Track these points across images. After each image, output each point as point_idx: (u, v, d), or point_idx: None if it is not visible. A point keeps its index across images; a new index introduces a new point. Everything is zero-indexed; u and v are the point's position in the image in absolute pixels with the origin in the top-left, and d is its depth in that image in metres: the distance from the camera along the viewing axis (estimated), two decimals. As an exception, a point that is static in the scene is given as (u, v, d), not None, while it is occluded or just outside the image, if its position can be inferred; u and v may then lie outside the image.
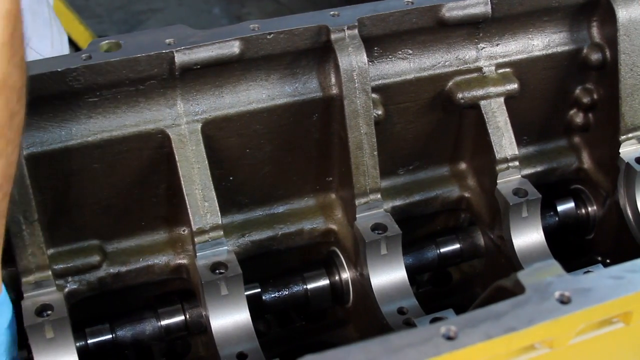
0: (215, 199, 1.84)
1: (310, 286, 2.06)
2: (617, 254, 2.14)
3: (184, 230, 1.95)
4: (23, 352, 1.75)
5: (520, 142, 2.16)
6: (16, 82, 1.40)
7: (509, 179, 2.06)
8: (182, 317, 1.96)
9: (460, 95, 2.04)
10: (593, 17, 2.11)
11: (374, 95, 1.94)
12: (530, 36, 2.10)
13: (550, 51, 2.12)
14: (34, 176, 1.73)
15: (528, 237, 2.05)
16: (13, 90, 1.40)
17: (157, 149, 1.85)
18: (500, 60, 2.08)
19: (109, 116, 1.80)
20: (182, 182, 1.83)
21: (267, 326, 2.22)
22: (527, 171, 2.20)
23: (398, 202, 2.13)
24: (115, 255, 1.94)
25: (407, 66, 2.01)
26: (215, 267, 1.83)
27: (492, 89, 2.05)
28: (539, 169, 2.25)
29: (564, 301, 1.20)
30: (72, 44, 4.39)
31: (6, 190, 1.48)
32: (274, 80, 1.91)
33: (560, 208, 2.27)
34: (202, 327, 1.94)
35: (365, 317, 2.00)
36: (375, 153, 1.93)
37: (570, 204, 2.28)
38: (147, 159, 1.86)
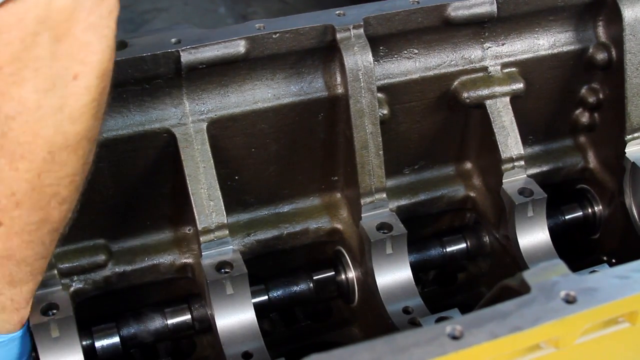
0: (221, 198, 1.84)
1: (315, 285, 2.07)
2: (622, 254, 2.13)
3: (189, 230, 1.95)
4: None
5: (525, 141, 2.16)
6: (94, 135, 1.43)
7: (514, 179, 2.06)
8: (188, 316, 1.96)
9: (465, 95, 2.04)
10: (599, 17, 2.11)
11: (379, 95, 1.95)
12: (536, 36, 2.10)
13: (556, 50, 2.12)
14: (40, 175, 1.73)
15: (533, 236, 2.05)
16: (90, 142, 1.42)
17: (163, 148, 1.85)
18: (506, 59, 2.08)
19: (114, 115, 1.80)
20: (188, 182, 1.83)
21: (272, 325, 2.23)
22: (533, 171, 2.20)
23: (403, 202, 2.13)
24: (120, 254, 1.94)
25: (412, 66, 2.01)
26: (220, 266, 1.83)
27: (498, 89, 2.04)
28: (544, 168, 2.24)
29: (569, 301, 1.20)
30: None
31: (60, 232, 1.52)
32: (279, 79, 1.91)
33: (565, 208, 2.27)
34: (207, 326, 1.94)
35: (371, 316, 2.00)
36: (381, 152, 1.93)
37: (576, 204, 2.28)
38: (153, 158, 1.86)
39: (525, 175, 2.07)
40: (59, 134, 1.35)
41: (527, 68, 2.10)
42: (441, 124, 2.11)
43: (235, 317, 1.83)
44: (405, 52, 2.00)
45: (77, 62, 1.31)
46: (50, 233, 1.48)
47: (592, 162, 2.26)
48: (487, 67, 2.06)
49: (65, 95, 1.32)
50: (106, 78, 1.37)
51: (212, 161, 1.84)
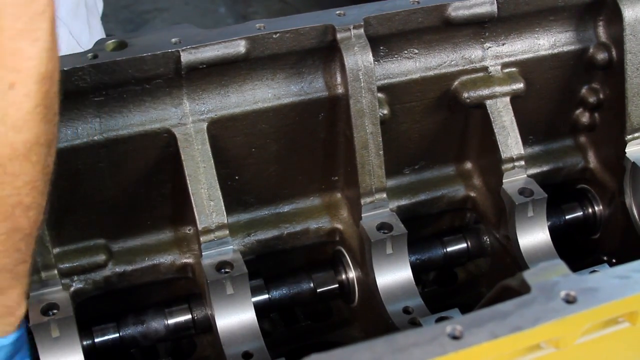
0: (221, 198, 1.84)
1: (316, 285, 2.07)
2: (623, 254, 2.13)
3: (189, 230, 1.95)
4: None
5: (526, 141, 2.16)
6: (48, 138, 1.41)
7: (514, 179, 2.06)
8: (188, 316, 1.96)
9: (466, 95, 2.04)
10: (599, 17, 2.11)
11: (379, 95, 1.94)
12: (536, 36, 2.10)
13: (556, 50, 2.12)
14: (40, 175, 1.73)
15: (534, 236, 2.05)
16: (45, 147, 1.40)
17: (163, 148, 1.85)
18: (506, 59, 2.08)
19: (115, 115, 1.80)
20: (188, 182, 1.83)
21: (272, 325, 2.23)
22: (533, 171, 2.20)
23: (404, 202, 2.13)
24: (121, 254, 1.94)
25: (412, 66, 2.01)
26: (220, 266, 1.83)
27: (498, 89, 2.04)
28: (544, 168, 2.24)
29: (569, 301, 1.20)
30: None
31: (35, 235, 1.51)
32: (279, 79, 1.91)
33: (566, 208, 2.27)
34: (207, 326, 1.94)
35: (371, 316, 2.00)
36: (381, 152, 1.93)
37: (576, 204, 2.28)
38: (153, 158, 1.86)
39: (526, 175, 2.07)
40: (5, 145, 1.34)
41: (527, 68, 2.10)
42: (441, 124, 2.11)
43: (235, 317, 1.83)
44: (406, 52, 2.00)
45: (10, 70, 1.30)
46: (24, 239, 1.48)
47: (593, 162, 2.26)
48: (488, 67, 2.06)
49: (4, 106, 1.31)
50: (48, 81, 1.34)
51: (212, 161, 1.84)
